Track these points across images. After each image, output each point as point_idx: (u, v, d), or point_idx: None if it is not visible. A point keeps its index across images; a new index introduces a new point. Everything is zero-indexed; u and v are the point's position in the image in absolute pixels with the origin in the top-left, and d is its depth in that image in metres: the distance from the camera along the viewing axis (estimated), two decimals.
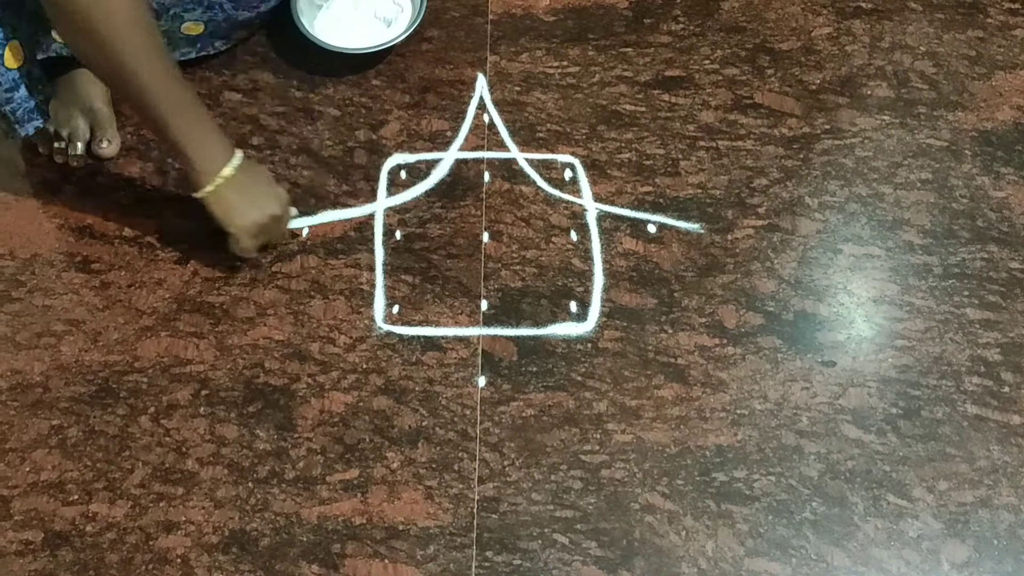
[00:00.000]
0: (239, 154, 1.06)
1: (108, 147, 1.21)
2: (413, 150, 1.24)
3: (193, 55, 1.25)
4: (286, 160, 1.22)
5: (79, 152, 1.19)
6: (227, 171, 1.04)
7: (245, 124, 1.25)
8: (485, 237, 1.17)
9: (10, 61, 1.06)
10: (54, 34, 1.12)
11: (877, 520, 0.99)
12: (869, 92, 1.30)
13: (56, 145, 1.19)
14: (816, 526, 0.99)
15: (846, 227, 1.18)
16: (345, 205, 1.19)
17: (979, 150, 1.25)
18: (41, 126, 1.13)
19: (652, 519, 0.99)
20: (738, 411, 1.05)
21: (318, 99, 1.28)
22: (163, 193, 1.20)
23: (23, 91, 1.09)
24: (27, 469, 1.01)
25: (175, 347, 1.09)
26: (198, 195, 1.05)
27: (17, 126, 1.12)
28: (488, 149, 1.24)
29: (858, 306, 1.13)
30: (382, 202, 1.20)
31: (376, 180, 1.21)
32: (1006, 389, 1.07)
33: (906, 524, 0.99)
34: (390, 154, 1.24)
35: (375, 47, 1.27)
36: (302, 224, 1.18)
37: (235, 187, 1.05)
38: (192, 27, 1.20)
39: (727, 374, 1.08)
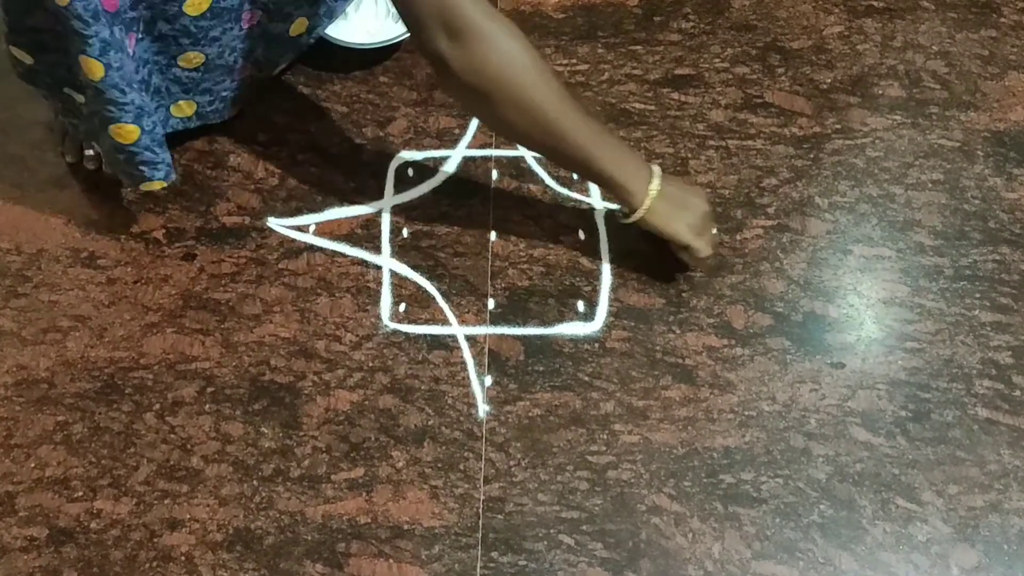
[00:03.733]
0: (656, 168, 1.05)
1: None
2: (421, 147, 1.23)
3: (292, 56, 1.24)
4: (293, 157, 1.22)
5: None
6: (655, 184, 1.04)
7: (252, 120, 1.24)
8: (492, 235, 1.17)
9: (116, 136, 1.04)
10: (173, 111, 1.14)
11: (886, 524, 0.98)
12: (880, 92, 1.29)
13: (87, 153, 1.19)
14: (824, 529, 0.98)
15: (856, 228, 1.18)
16: (352, 202, 1.19)
17: (991, 151, 1.24)
18: (164, 182, 1.11)
19: (659, 521, 0.98)
20: (746, 412, 1.05)
21: (325, 95, 1.27)
22: (169, 189, 1.20)
23: (121, 156, 1.07)
24: (32, 465, 1.01)
25: (181, 344, 1.08)
26: (637, 217, 1.05)
27: (109, 168, 1.15)
28: (496, 147, 1.24)
29: (868, 307, 1.12)
30: (389, 200, 1.19)
31: (383, 178, 1.21)
32: (1017, 392, 1.06)
33: (915, 528, 0.98)
34: (397, 151, 1.23)
35: (383, 43, 1.26)
36: (309, 221, 1.17)
37: (665, 198, 1.05)
38: (298, 25, 1.18)
39: (735, 375, 1.07)
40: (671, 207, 1.06)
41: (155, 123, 1.07)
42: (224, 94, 1.16)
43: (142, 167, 1.08)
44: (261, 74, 1.19)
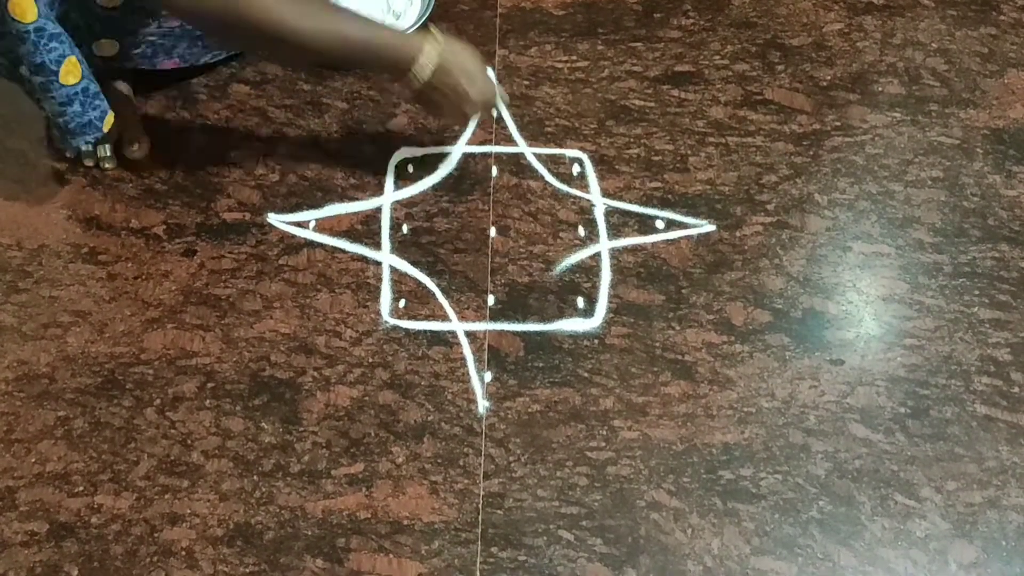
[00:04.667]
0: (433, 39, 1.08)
1: (138, 150, 1.21)
2: (421, 144, 1.24)
3: (222, 56, 1.26)
4: (293, 153, 1.22)
5: (109, 155, 1.20)
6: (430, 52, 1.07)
7: (253, 116, 1.25)
8: (492, 232, 1.17)
9: (66, 77, 1.08)
10: (95, 49, 1.15)
11: (884, 520, 0.98)
12: (880, 89, 1.29)
13: (85, 150, 1.19)
14: (823, 525, 0.98)
15: (856, 225, 1.18)
16: (352, 198, 1.19)
17: (991, 148, 1.24)
18: (92, 141, 1.16)
19: (658, 516, 0.98)
20: (745, 409, 1.05)
21: (326, 92, 1.27)
22: (170, 184, 1.20)
23: (76, 106, 1.11)
24: (33, 460, 1.01)
25: (181, 339, 1.09)
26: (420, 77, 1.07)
27: (70, 138, 1.15)
28: (496, 143, 1.24)
29: (867, 304, 1.12)
30: (389, 196, 1.20)
31: (383, 174, 1.21)
32: (1016, 389, 1.06)
33: (914, 524, 0.98)
34: (397, 147, 1.23)
35: None
36: (309, 217, 1.17)
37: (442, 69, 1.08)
38: None
39: (734, 372, 1.07)
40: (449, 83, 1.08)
41: (82, 55, 1.10)
42: (150, 38, 1.17)
43: (96, 101, 1.12)
44: (195, 30, 1.18)
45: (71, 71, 1.09)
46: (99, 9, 1.11)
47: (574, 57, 1.31)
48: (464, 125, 1.15)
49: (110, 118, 1.17)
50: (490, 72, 1.17)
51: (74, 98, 1.11)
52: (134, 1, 1.11)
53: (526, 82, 1.29)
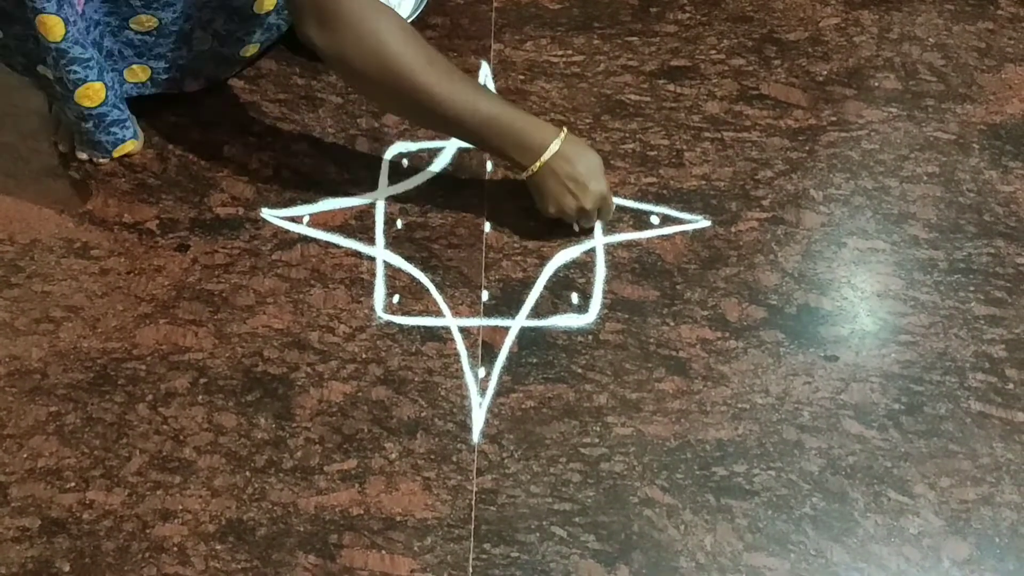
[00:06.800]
0: (559, 134, 1.08)
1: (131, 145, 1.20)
2: (415, 138, 1.23)
3: (240, 69, 1.25)
4: (287, 148, 1.22)
5: None
6: (552, 147, 1.07)
7: (247, 111, 1.24)
8: (487, 227, 1.17)
9: (82, 100, 1.08)
10: (127, 75, 1.15)
11: (877, 516, 0.98)
12: (876, 84, 1.29)
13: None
14: (816, 522, 0.98)
15: (851, 220, 1.17)
16: (346, 193, 1.18)
17: (987, 144, 1.24)
18: (102, 161, 1.18)
19: (651, 513, 0.98)
20: (739, 405, 1.05)
21: (320, 86, 1.27)
22: (163, 179, 1.20)
23: (90, 125, 1.11)
24: (24, 456, 1.01)
25: (174, 335, 1.08)
26: (526, 174, 1.09)
27: (76, 144, 1.17)
28: None
29: (862, 300, 1.12)
30: (383, 191, 1.19)
31: (377, 169, 1.21)
32: (1010, 386, 1.06)
33: (907, 521, 0.98)
34: (392, 142, 1.23)
35: None
36: (303, 212, 1.17)
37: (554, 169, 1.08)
38: (252, 48, 1.21)
39: (729, 368, 1.07)
40: (557, 180, 1.08)
41: (114, 81, 1.10)
42: (181, 63, 1.16)
43: (113, 128, 1.12)
44: (225, 49, 1.18)
45: (89, 96, 1.08)
46: (132, 33, 1.10)
47: (569, 51, 1.31)
48: (568, 219, 1.12)
49: (126, 147, 1.16)
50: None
51: (88, 118, 1.10)
52: (168, 25, 1.10)
53: (521, 77, 1.28)
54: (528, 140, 1.06)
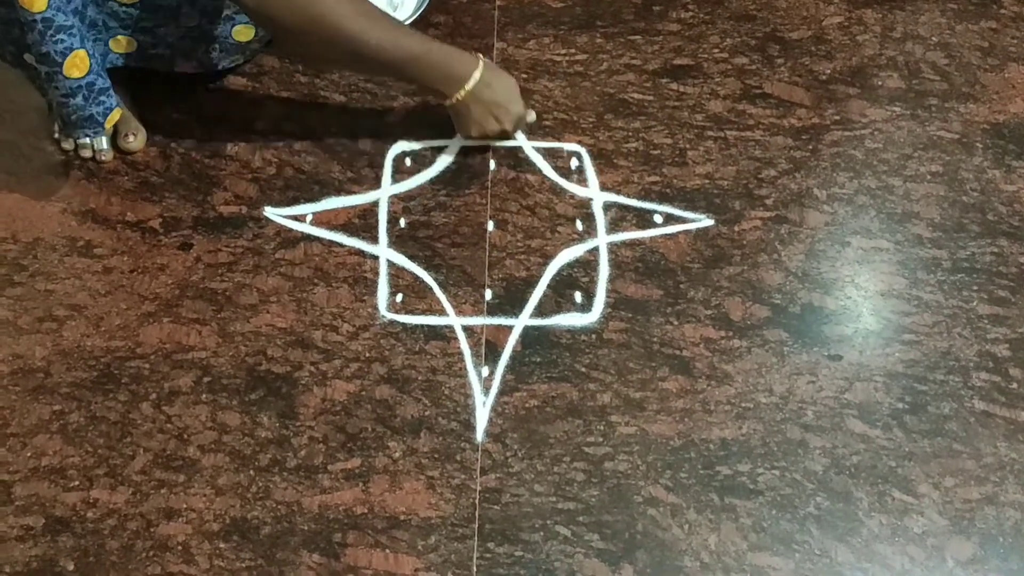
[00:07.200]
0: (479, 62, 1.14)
1: (134, 141, 1.21)
2: (418, 137, 1.23)
3: (241, 61, 1.25)
4: (291, 146, 1.22)
5: (105, 147, 1.19)
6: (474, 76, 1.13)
7: (250, 109, 1.24)
8: (490, 226, 1.17)
9: (71, 71, 1.09)
10: (112, 45, 1.15)
11: (882, 516, 0.98)
12: (880, 83, 1.29)
13: (82, 142, 1.19)
14: (820, 521, 0.98)
15: (855, 219, 1.17)
16: (349, 192, 1.18)
17: (991, 143, 1.23)
18: (91, 138, 1.17)
19: (655, 512, 0.98)
20: (743, 404, 1.05)
21: (323, 85, 1.27)
22: (166, 177, 1.19)
23: (79, 99, 1.12)
24: (28, 454, 1.01)
25: (177, 333, 1.08)
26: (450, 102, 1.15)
27: (71, 129, 1.16)
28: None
29: (866, 299, 1.12)
30: (386, 189, 1.19)
31: (381, 167, 1.21)
32: (1014, 385, 1.06)
33: (911, 520, 0.98)
34: (395, 141, 1.23)
35: None
36: (306, 211, 1.17)
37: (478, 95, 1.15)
38: (244, 31, 1.19)
39: (732, 367, 1.07)
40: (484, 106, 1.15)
41: (95, 50, 1.12)
42: (169, 39, 1.16)
43: (102, 97, 1.13)
44: (214, 28, 1.17)
45: (76, 64, 1.09)
46: (116, 5, 1.10)
47: (572, 50, 1.31)
48: (487, 140, 1.20)
49: (114, 115, 1.16)
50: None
51: (77, 91, 1.11)
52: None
53: (524, 75, 1.28)
54: (453, 71, 1.13)
